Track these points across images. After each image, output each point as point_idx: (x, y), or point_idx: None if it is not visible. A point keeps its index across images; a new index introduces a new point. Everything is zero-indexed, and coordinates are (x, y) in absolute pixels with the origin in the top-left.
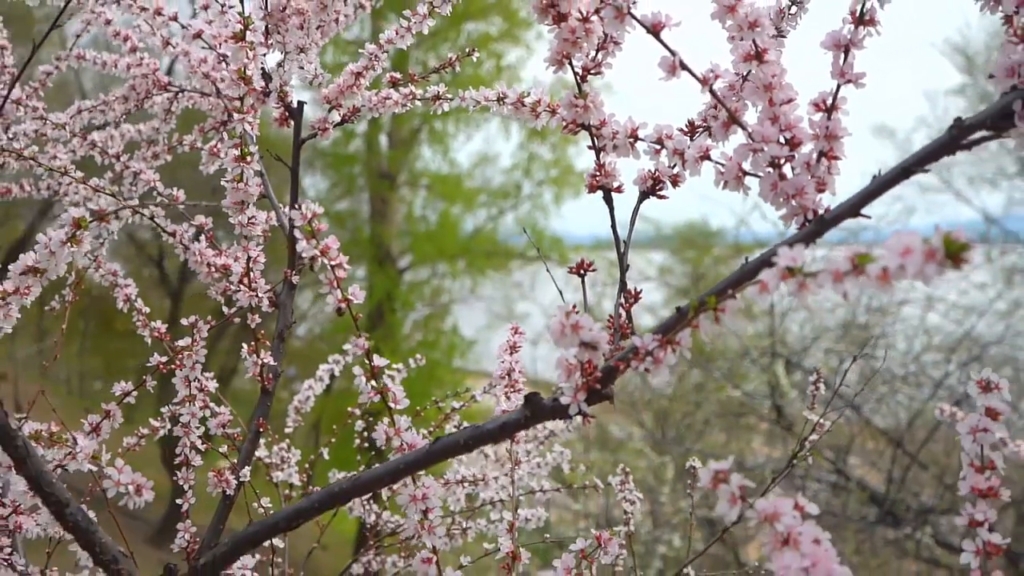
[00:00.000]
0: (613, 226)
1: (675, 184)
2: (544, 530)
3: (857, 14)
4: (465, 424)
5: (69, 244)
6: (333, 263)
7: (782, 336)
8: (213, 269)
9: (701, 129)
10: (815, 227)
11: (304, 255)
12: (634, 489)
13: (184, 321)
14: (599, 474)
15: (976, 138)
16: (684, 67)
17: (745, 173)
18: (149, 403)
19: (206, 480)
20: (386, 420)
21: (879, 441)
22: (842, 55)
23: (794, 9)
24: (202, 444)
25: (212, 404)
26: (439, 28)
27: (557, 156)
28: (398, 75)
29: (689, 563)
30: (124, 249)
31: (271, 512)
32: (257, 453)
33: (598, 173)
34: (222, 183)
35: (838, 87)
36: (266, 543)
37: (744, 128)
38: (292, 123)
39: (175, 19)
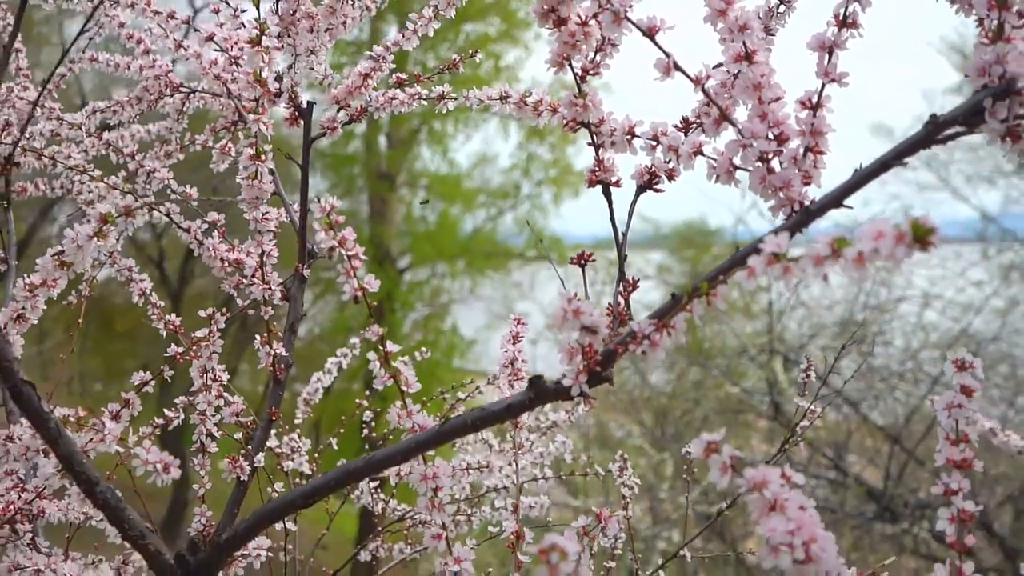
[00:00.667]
0: (612, 219)
1: (671, 178)
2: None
3: (840, 17)
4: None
5: (95, 238)
6: (350, 253)
7: (780, 334)
8: (226, 263)
9: (695, 126)
10: (801, 217)
11: (323, 246)
12: (632, 475)
13: (201, 313)
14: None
15: (951, 133)
16: (678, 68)
17: (736, 167)
18: (148, 408)
19: (203, 481)
20: (398, 403)
21: (877, 438)
22: (826, 56)
23: (783, 8)
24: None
25: (226, 394)
26: (438, 29)
27: (556, 156)
28: (403, 75)
29: (685, 545)
30: (125, 250)
31: None
32: (268, 444)
33: (597, 168)
34: (237, 180)
35: (823, 86)
36: (279, 527)
37: (734, 125)
38: (302, 123)
39: (188, 22)
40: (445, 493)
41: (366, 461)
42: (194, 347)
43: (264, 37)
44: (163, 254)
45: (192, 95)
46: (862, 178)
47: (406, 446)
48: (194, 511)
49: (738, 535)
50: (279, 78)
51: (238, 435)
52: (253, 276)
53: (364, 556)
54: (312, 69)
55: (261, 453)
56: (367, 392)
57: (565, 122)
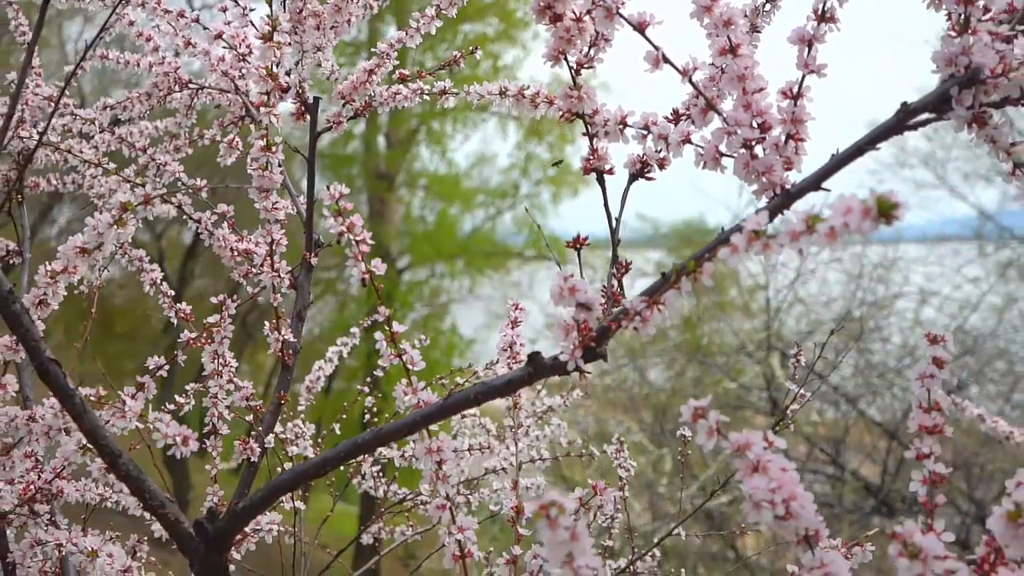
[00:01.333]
0: (605, 204)
1: (661, 167)
2: None
3: (819, 12)
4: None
5: (115, 227)
6: (358, 238)
7: (778, 330)
8: (235, 253)
9: (685, 117)
10: (781, 200)
11: (332, 231)
12: (628, 457)
13: (213, 299)
14: (598, 468)
15: (921, 120)
16: (666, 60)
17: (722, 154)
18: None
19: (205, 482)
20: (403, 380)
21: (874, 434)
22: (806, 48)
23: (768, 7)
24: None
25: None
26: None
27: (554, 155)
28: (406, 72)
29: (680, 524)
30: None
31: None
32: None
33: (591, 157)
34: (248, 171)
35: (803, 77)
36: (288, 507)
37: (720, 114)
38: (308, 118)
39: (197, 20)
40: (449, 467)
41: (374, 434)
42: (206, 333)
43: (276, 33)
44: (163, 254)
45: (200, 91)
46: (838, 162)
47: (412, 419)
48: (206, 490)
49: (737, 532)
50: (287, 73)
51: (249, 417)
52: (263, 265)
53: (366, 540)
54: (319, 65)
55: (271, 435)
56: (367, 380)
57: (561, 113)
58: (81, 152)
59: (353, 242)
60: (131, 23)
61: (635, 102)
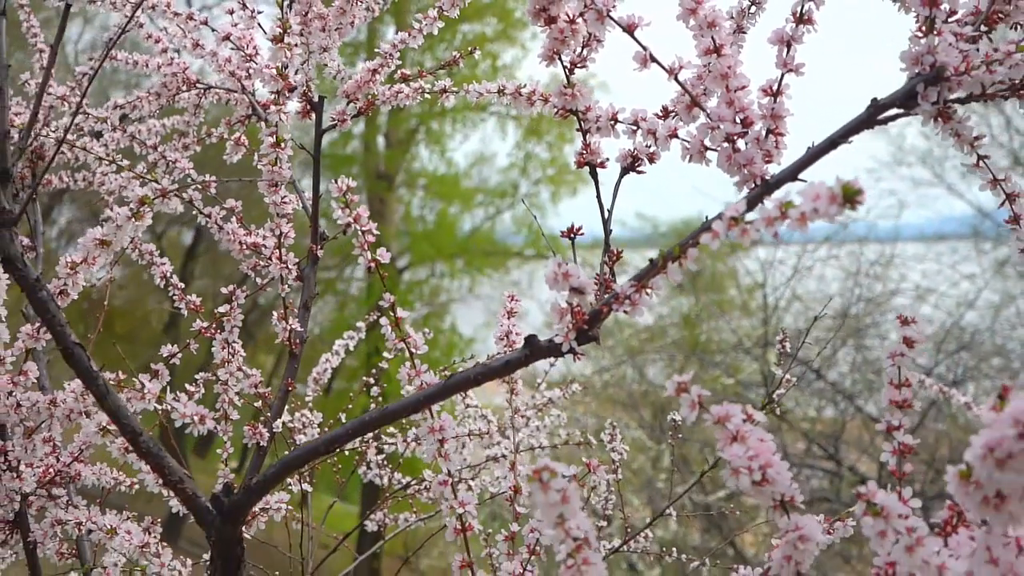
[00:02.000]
0: (598, 196)
1: (651, 161)
2: None
3: (797, 15)
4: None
5: (133, 219)
6: (364, 228)
7: (775, 327)
8: (244, 247)
9: (673, 113)
10: (760, 190)
11: (339, 222)
12: (622, 442)
13: (224, 289)
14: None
15: (891, 115)
16: (653, 59)
17: (706, 148)
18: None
19: (205, 481)
20: (407, 364)
21: (871, 430)
22: (785, 48)
23: (753, 9)
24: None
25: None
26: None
27: (554, 155)
28: (408, 72)
29: (672, 504)
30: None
31: None
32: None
33: (584, 151)
34: (258, 167)
35: (782, 76)
36: (296, 490)
37: (704, 110)
38: (314, 116)
39: (206, 23)
40: (450, 445)
41: (380, 412)
42: (216, 323)
43: (286, 35)
44: (163, 255)
45: (208, 91)
46: (814, 155)
47: (416, 399)
48: (218, 473)
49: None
50: (295, 73)
51: (258, 403)
52: (271, 257)
53: (371, 527)
54: (326, 65)
55: (279, 420)
56: (372, 371)
57: (556, 110)
58: (94, 150)
59: (359, 232)
60: (140, 25)
61: (634, 101)
